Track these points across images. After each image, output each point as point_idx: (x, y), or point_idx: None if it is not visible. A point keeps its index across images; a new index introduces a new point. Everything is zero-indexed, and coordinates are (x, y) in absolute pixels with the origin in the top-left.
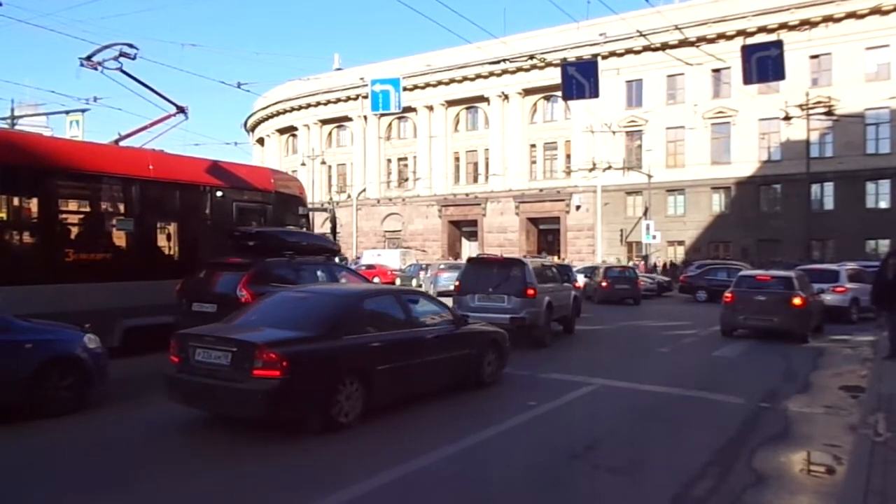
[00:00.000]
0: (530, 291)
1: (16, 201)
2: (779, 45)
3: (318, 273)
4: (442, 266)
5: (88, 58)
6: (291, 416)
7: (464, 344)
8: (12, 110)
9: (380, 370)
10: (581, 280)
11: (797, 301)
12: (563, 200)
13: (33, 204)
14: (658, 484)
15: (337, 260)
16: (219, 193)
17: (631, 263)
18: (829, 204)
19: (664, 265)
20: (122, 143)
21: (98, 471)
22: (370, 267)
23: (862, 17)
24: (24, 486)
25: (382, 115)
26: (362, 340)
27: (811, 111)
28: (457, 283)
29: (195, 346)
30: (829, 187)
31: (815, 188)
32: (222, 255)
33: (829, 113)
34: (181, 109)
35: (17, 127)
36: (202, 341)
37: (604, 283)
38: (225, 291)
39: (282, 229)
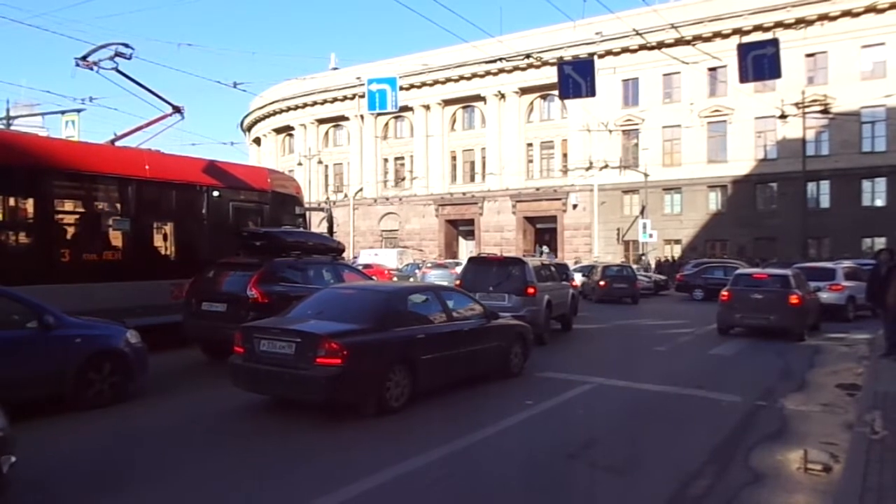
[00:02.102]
0: (530, 290)
1: (11, 202)
2: (775, 43)
3: (325, 272)
4: (429, 265)
5: (84, 58)
6: (349, 399)
7: (494, 337)
8: (8, 111)
9: (424, 359)
10: (578, 279)
11: (794, 299)
12: (559, 199)
13: (29, 204)
14: (655, 483)
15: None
16: (215, 193)
17: (644, 265)
18: (825, 202)
19: (658, 262)
20: (117, 144)
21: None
22: (367, 266)
23: (857, 15)
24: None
25: (379, 114)
26: (409, 332)
27: (807, 109)
28: (457, 282)
29: (260, 337)
30: (825, 185)
31: (811, 186)
32: (228, 255)
33: (825, 111)
34: (177, 109)
35: (12, 127)
36: (267, 333)
37: (602, 283)
38: (235, 291)
39: (288, 229)
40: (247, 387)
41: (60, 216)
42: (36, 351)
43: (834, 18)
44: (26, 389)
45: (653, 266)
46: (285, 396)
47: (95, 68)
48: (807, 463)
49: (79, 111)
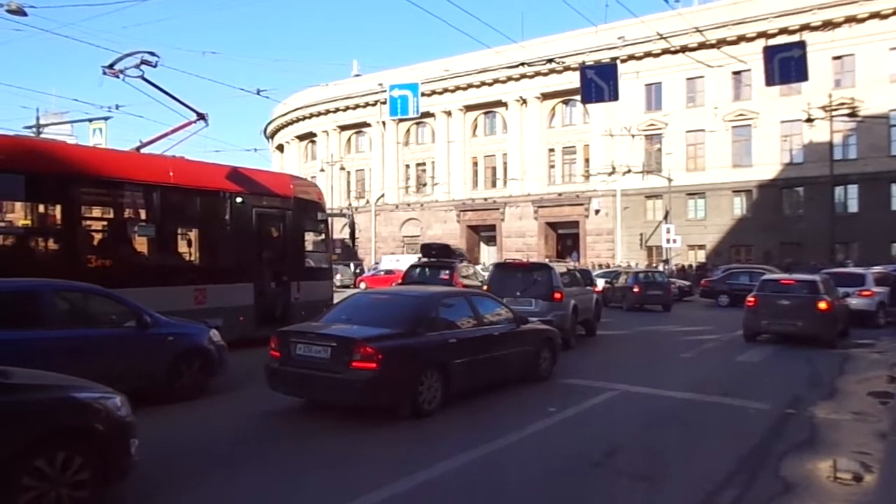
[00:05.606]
0: (557, 295)
1: (41, 208)
2: (801, 45)
3: (471, 269)
4: None
5: (111, 66)
6: (384, 403)
7: (524, 341)
8: (37, 119)
9: (456, 363)
10: (601, 284)
11: (822, 305)
12: (582, 205)
13: (57, 211)
14: (681, 493)
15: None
16: (238, 199)
17: (662, 268)
18: (853, 206)
19: (682, 268)
20: (143, 151)
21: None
22: (389, 272)
23: (886, 17)
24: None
25: (401, 120)
26: (441, 337)
27: (834, 113)
28: (485, 287)
29: (296, 342)
30: (852, 189)
31: (838, 190)
32: (250, 261)
33: (852, 114)
34: (201, 116)
35: (42, 135)
36: (303, 337)
37: (636, 289)
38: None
39: (448, 245)
40: (282, 390)
41: (87, 223)
42: (133, 348)
43: (862, 20)
44: (123, 383)
45: (675, 271)
46: (321, 400)
47: (122, 76)
48: (838, 472)
49: (106, 119)
